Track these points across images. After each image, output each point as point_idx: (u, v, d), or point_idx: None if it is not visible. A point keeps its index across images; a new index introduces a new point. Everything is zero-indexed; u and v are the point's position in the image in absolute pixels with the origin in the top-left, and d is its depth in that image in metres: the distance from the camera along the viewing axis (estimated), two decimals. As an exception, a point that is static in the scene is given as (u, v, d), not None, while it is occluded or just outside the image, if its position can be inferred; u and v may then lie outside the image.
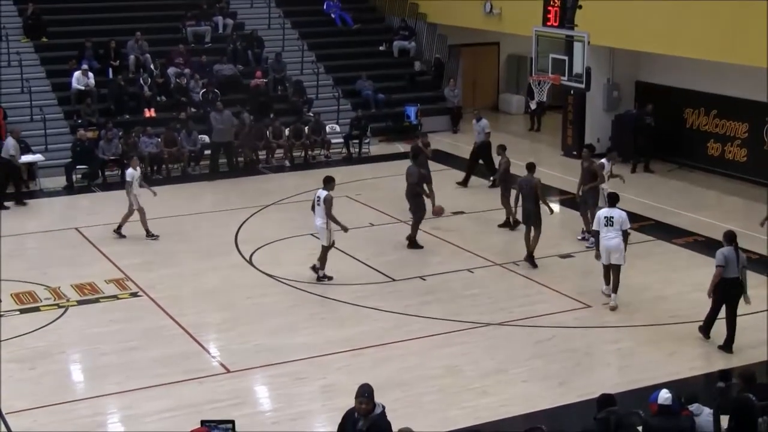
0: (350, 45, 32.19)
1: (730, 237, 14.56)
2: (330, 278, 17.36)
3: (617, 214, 15.98)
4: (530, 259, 18.03)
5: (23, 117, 26.05)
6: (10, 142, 22.57)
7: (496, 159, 21.06)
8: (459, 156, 26.45)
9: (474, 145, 24.18)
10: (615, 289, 16.10)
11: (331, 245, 17.36)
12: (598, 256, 16.18)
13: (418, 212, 19.08)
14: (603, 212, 16.20)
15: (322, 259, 17.39)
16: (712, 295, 14.49)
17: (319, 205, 17.10)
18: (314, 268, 17.44)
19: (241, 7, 32.64)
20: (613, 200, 16.42)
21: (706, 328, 14.81)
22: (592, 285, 16.99)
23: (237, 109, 26.42)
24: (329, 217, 17.01)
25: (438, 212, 20.00)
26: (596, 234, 16.15)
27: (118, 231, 19.84)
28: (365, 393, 9.22)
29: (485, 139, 23.76)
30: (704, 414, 10.07)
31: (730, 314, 14.51)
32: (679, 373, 13.66)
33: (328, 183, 17.22)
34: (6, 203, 22.16)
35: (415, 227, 19.08)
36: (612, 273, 16.13)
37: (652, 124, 25.00)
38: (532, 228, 17.92)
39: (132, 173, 19.59)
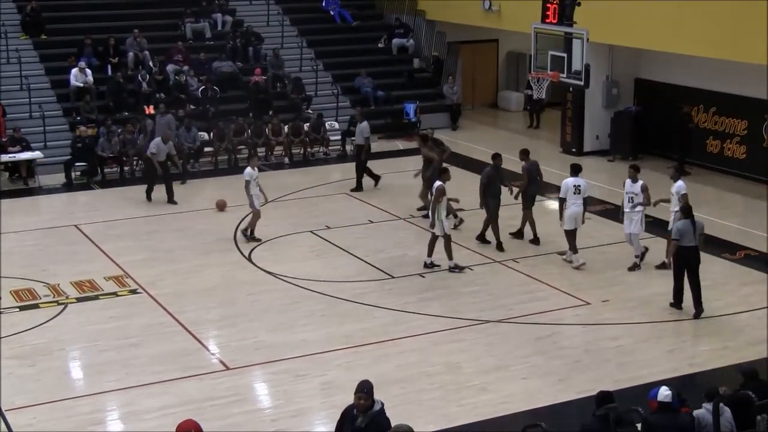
0: (349, 42, 32.17)
1: (687, 211, 15.59)
2: (462, 269, 17.62)
3: (583, 182, 17.65)
4: (481, 237, 18.85)
5: (22, 114, 26.06)
6: (156, 141, 22.40)
7: (519, 164, 19.74)
8: (458, 153, 26.46)
9: (356, 149, 23.68)
10: (576, 250, 17.59)
11: (448, 233, 17.66)
12: (563, 224, 17.67)
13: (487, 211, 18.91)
14: (571, 180, 17.60)
15: (448, 250, 17.57)
16: (673, 265, 15.76)
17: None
18: (452, 267, 17.62)
19: (240, 4, 32.61)
20: (575, 170, 17.84)
21: (676, 301, 15.71)
22: (592, 282, 17.01)
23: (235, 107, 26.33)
24: (434, 205, 17.34)
25: (220, 206, 21.26)
26: (563, 201, 17.56)
27: (249, 234, 19.36)
28: (364, 389, 9.21)
29: (365, 144, 23.12)
30: (726, 414, 10.00)
31: (693, 279, 15.52)
32: (679, 369, 13.67)
33: (444, 173, 17.80)
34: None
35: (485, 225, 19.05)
36: (574, 237, 17.61)
37: (692, 126, 24.50)
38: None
39: (250, 173, 19.03)
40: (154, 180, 22.33)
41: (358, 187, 22.95)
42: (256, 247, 19.11)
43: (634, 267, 17.54)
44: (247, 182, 19.07)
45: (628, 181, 17.37)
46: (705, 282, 17.03)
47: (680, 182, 17.41)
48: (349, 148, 27.17)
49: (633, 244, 17.56)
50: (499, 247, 18.57)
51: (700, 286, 15.57)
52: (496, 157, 18.92)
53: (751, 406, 10.04)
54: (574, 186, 17.55)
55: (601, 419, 9.75)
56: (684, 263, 15.49)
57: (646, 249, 17.74)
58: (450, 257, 17.61)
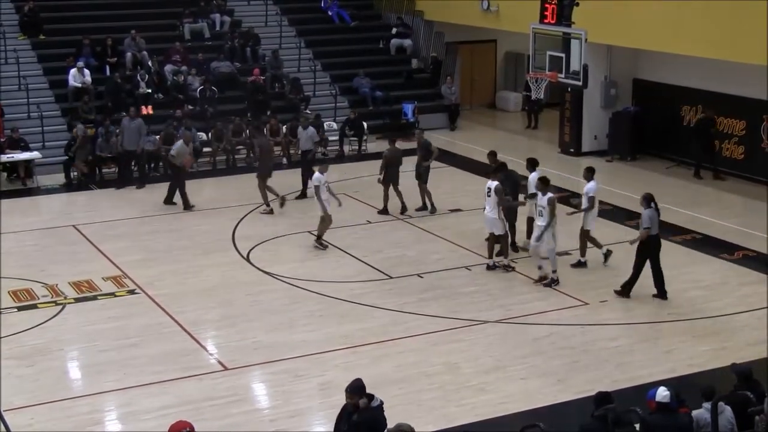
0: (348, 42, 32.17)
1: (650, 199, 15.94)
2: (512, 268, 17.66)
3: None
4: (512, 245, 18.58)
5: (20, 114, 26.05)
6: (178, 144, 22.23)
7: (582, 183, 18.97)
8: (457, 154, 26.49)
9: (302, 155, 23.33)
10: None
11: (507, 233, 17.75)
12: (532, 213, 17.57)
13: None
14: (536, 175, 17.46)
15: (505, 248, 17.66)
16: (639, 255, 16.06)
17: (489, 195, 17.30)
18: (505, 266, 17.64)
19: (238, 5, 32.60)
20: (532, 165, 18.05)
21: (627, 289, 16.26)
22: (590, 283, 17.01)
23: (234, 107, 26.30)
24: (501, 205, 17.34)
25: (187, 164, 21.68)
26: (533, 196, 17.28)
27: (318, 242, 19.04)
28: (347, 388, 9.64)
29: (313, 149, 22.90)
30: (726, 413, 10.01)
31: (655, 267, 16.06)
32: (677, 370, 13.67)
33: (499, 171, 17.80)
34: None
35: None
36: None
37: (714, 131, 24.14)
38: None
39: (320, 177, 18.62)
40: (179, 185, 21.90)
41: (302, 195, 22.44)
42: (254, 247, 19.10)
43: (541, 280, 16.99)
44: (317, 187, 18.60)
45: (540, 196, 16.82)
46: (704, 282, 17.12)
47: (592, 183, 17.57)
48: (347, 148, 27.19)
49: (550, 258, 16.97)
50: (513, 247, 18.48)
51: (662, 273, 16.13)
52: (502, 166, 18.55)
53: (750, 406, 10.04)
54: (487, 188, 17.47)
55: (600, 419, 9.75)
56: (652, 252, 15.94)
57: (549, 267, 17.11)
58: (506, 255, 17.74)
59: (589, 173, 17.74)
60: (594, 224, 17.83)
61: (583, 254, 17.89)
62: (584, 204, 17.59)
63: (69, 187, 23.87)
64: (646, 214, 15.85)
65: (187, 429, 8.92)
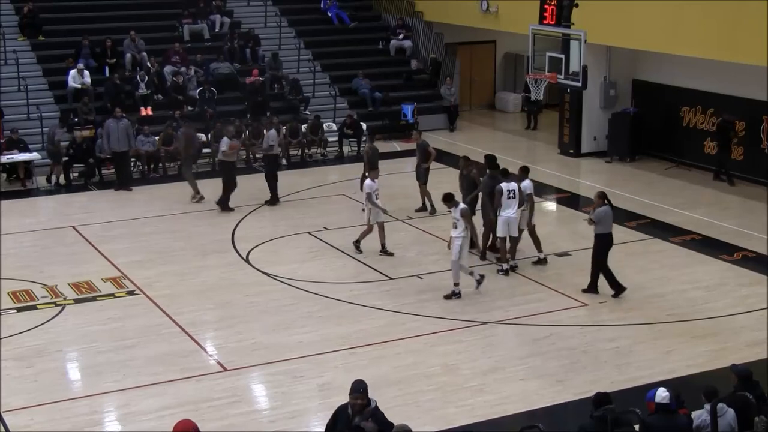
0: (347, 43, 32.19)
1: (604, 195, 16.23)
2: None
3: (516, 186, 17.48)
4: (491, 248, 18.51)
5: (20, 115, 26.07)
6: (272, 133, 22.22)
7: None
8: (456, 154, 26.45)
9: (264, 159, 23.11)
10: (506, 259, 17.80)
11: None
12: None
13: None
14: (505, 185, 17.39)
15: (503, 251, 17.63)
16: (597, 256, 16.30)
17: (513, 197, 17.27)
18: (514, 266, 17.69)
19: (237, 6, 32.64)
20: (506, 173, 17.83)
21: (596, 285, 16.41)
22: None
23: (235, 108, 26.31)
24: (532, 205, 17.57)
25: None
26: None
27: (384, 250, 18.58)
28: (360, 389, 9.23)
29: (272, 152, 22.50)
30: (728, 415, 10.00)
31: (605, 264, 16.30)
32: (677, 371, 13.66)
33: (526, 172, 17.98)
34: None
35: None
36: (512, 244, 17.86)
37: (732, 135, 23.72)
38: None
39: (371, 185, 18.32)
40: (232, 185, 21.71)
41: (273, 200, 22.13)
42: (253, 248, 19.10)
43: (451, 295, 16.44)
44: (369, 194, 18.32)
45: (454, 208, 16.40)
46: (703, 283, 17.11)
47: (528, 182, 17.72)
48: (346, 149, 27.19)
49: (452, 269, 16.45)
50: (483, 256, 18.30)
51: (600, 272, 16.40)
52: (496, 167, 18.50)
53: (750, 407, 10.04)
54: (508, 191, 17.30)
55: (599, 420, 9.74)
56: (606, 249, 16.22)
57: (482, 276, 16.78)
58: (513, 257, 17.71)
59: (524, 173, 17.89)
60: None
61: (539, 250, 17.92)
62: (524, 202, 17.55)
63: (68, 188, 23.87)
64: (603, 210, 16.03)
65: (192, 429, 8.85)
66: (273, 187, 22.14)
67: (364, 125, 27.67)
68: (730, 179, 23.62)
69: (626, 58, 26.33)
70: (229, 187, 21.65)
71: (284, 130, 26.20)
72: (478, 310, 15.95)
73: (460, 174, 19.22)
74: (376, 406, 9.26)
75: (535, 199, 19.88)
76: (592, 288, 16.51)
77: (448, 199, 16.56)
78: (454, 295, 16.41)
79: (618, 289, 16.37)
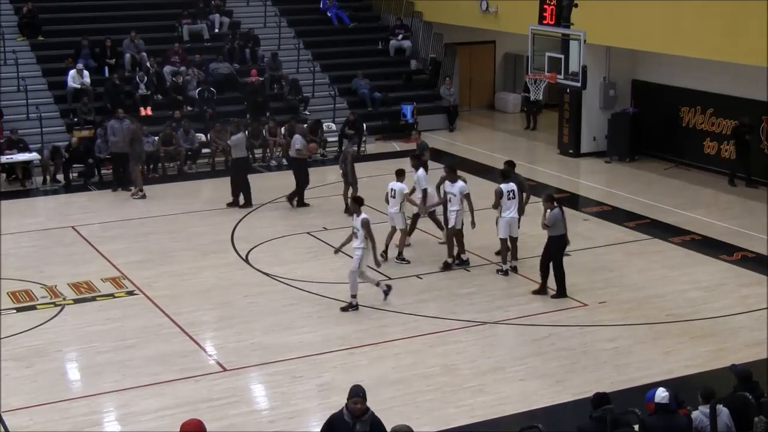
0: (346, 44, 32.19)
1: (553, 198, 16.29)
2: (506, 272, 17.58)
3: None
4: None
5: (19, 115, 26.07)
6: (297, 138, 22.15)
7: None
8: (455, 154, 26.47)
9: (232, 163, 22.82)
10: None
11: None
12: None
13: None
14: (505, 187, 17.21)
15: (504, 252, 17.55)
16: (551, 257, 16.23)
17: (513, 198, 17.18)
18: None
19: (237, 6, 32.64)
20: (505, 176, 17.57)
21: (546, 287, 16.42)
22: (589, 284, 17.00)
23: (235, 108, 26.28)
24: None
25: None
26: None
27: (401, 257, 18.23)
28: (359, 393, 9.13)
29: (242, 155, 22.33)
30: (723, 415, 10.00)
31: (559, 266, 16.25)
32: (676, 371, 13.66)
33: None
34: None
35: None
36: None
37: (750, 138, 23.15)
38: None
39: (401, 187, 18.21)
40: (305, 181, 21.80)
41: (247, 203, 21.89)
42: (253, 248, 19.10)
43: (348, 307, 15.98)
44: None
45: (355, 217, 15.89)
46: (703, 283, 17.10)
47: (462, 183, 17.59)
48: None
49: (350, 280, 15.95)
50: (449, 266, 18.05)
51: (551, 273, 16.34)
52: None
53: (749, 407, 10.04)
54: (508, 191, 17.17)
55: (598, 421, 9.74)
56: (559, 251, 16.17)
57: (388, 287, 16.44)
58: (505, 261, 17.58)
59: (454, 174, 17.72)
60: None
61: (462, 251, 17.88)
62: (456, 205, 17.33)
63: (68, 187, 23.87)
64: (554, 214, 15.93)
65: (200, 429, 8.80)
66: (300, 189, 22.04)
67: (364, 125, 27.66)
68: (750, 182, 23.21)
69: (626, 59, 26.33)
70: (301, 183, 21.83)
71: (283, 131, 26.06)
72: (477, 311, 15.94)
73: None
74: (372, 411, 9.19)
75: (534, 199, 19.93)
76: (543, 290, 16.44)
77: (358, 203, 16.07)
78: (351, 306, 15.92)
79: (562, 293, 16.29)
